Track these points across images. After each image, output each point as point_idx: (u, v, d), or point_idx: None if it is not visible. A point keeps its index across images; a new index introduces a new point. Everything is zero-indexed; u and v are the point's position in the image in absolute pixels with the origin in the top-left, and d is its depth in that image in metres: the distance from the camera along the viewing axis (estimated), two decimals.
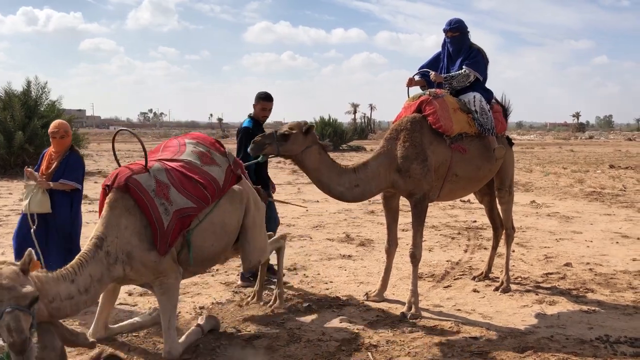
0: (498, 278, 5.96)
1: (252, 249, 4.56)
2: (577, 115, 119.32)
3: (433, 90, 5.31)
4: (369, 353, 4.08)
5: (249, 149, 4.77)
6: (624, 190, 13.97)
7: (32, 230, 4.77)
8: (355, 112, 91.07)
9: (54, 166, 4.97)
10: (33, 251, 3.22)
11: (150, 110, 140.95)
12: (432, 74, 5.40)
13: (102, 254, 3.68)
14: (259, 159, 4.92)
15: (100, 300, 4.07)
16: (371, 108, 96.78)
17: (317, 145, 4.76)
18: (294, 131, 4.67)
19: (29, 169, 4.91)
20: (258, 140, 4.67)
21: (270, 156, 4.82)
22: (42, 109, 17.72)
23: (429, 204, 5.13)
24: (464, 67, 5.34)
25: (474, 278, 6.01)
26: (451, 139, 5.06)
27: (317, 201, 12.18)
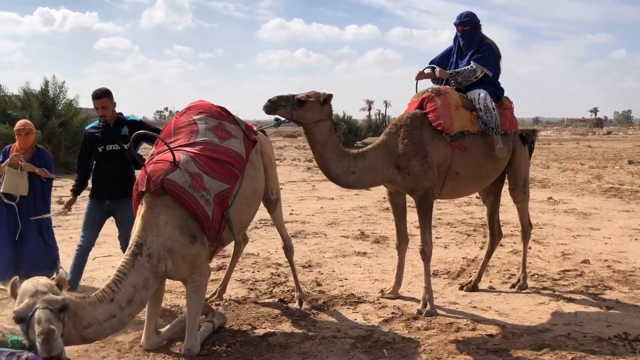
0: (515, 275, 5.92)
1: (275, 185, 5.01)
2: (594, 111, 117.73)
3: (436, 87, 5.24)
4: (384, 350, 4.07)
5: (262, 107, 4.67)
6: None
7: (15, 203, 5.55)
8: (370, 109, 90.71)
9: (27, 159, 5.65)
10: (65, 271, 3.51)
11: (166, 109, 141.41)
12: (437, 70, 5.34)
13: (143, 259, 3.73)
14: (273, 125, 4.92)
15: (147, 308, 4.02)
16: (386, 105, 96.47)
17: (331, 121, 4.74)
18: (311, 99, 4.62)
19: (21, 156, 5.55)
20: (274, 100, 4.61)
21: (284, 121, 4.77)
22: (60, 108, 17.92)
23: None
24: (471, 62, 5.23)
25: (461, 287, 5.61)
26: (451, 137, 4.95)
27: (332, 198, 12.18)
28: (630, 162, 20.67)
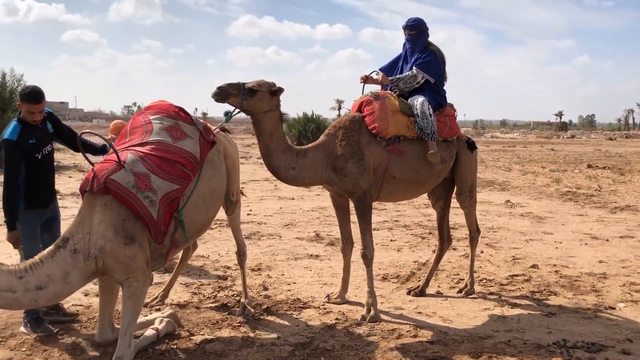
0: (463, 280, 5.92)
1: (237, 187, 4.96)
2: (560, 114, 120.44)
3: (375, 91, 5.25)
4: (322, 358, 4.01)
5: (211, 95, 4.46)
6: (599, 191, 14.04)
7: None
8: (340, 108, 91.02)
9: None
10: None
11: (135, 104, 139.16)
12: (380, 75, 5.34)
13: (65, 253, 3.70)
14: (225, 121, 4.80)
15: (99, 302, 4.16)
16: None
17: (279, 111, 4.69)
18: (262, 89, 4.55)
19: None
20: (224, 87, 4.48)
21: (235, 113, 4.65)
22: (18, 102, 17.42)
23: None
24: (413, 67, 5.25)
25: (409, 292, 5.60)
26: (387, 141, 4.97)
27: (293, 198, 12.09)
28: (589, 166, 21.08)
